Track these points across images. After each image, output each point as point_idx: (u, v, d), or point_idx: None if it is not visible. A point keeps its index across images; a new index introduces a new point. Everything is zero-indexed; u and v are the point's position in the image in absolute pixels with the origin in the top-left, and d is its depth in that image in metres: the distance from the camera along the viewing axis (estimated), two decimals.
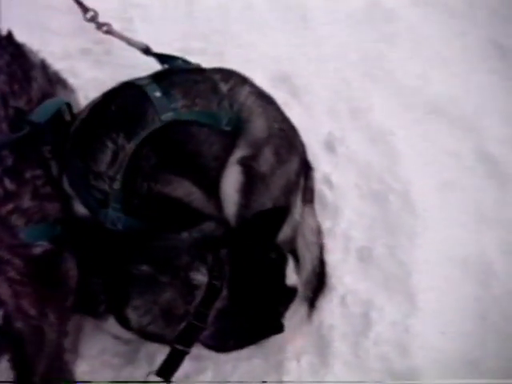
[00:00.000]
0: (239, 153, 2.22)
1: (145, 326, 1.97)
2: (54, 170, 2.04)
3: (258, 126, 2.28)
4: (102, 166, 2.00)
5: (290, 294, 2.14)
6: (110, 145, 2.02)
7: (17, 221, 1.77)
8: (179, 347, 1.97)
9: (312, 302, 2.34)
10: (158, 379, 1.94)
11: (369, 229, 2.50)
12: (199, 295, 1.94)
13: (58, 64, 2.62)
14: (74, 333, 2.15)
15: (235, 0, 3.11)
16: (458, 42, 2.97)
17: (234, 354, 2.18)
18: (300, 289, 2.26)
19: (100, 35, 2.76)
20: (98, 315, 2.03)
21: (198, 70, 2.38)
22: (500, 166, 2.60)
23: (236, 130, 2.24)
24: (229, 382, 2.18)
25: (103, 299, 1.98)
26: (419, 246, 2.40)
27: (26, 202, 1.83)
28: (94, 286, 1.97)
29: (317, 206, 2.53)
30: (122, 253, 1.95)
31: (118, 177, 1.97)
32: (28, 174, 1.89)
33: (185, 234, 1.98)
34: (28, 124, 1.97)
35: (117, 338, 2.20)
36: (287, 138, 2.36)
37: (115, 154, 2.01)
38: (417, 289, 2.31)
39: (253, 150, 2.23)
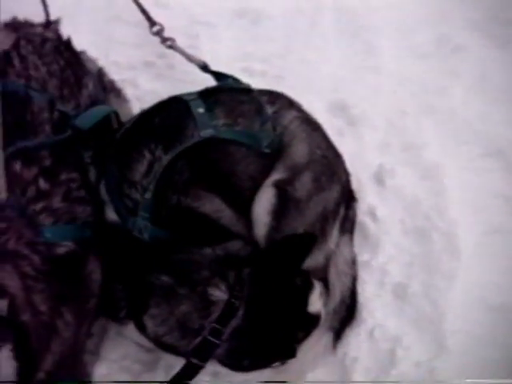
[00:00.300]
0: (276, 176, 2.22)
1: (160, 336, 2.00)
2: (93, 175, 2.10)
3: (299, 150, 2.27)
4: (137, 176, 2.05)
5: (312, 321, 2.12)
6: (147, 155, 2.07)
7: (45, 219, 1.84)
8: (194, 361, 1.98)
9: (338, 333, 2.30)
10: None
11: (407, 265, 2.44)
12: (216, 311, 1.95)
13: (121, 74, 2.74)
14: (98, 335, 2.21)
15: (301, 20, 3.13)
16: None
17: (253, 376, 2.18)
18: (327, 318, 2.24)
19: (164, 49, 2.84)
20: (118, 320, 2.07)
21: (246, 90, 2.39)
22: None
23: (276, 153, 2.24)
24: None
25: (124, 305, 2.02)
26: (456, 288, 2.32)
27: (57, 202, 1.89)
28: (117, 291, 2.01)
29: (358, 237, 2.50)
30: (145, 261, 1.98)
31: (151, 187, 2.01)
32: (63, 176, 1.96)
33: (208, 250, 1.99)
34: (71, 128, 2.05)
35: (139, 345, 2.23)
36: (329, 166, 2.34)
37: (151, 165, 2.06)
38: (448, 331, 2.23)
39: (290, 174, 2.22)
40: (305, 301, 2.07)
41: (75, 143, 2.06)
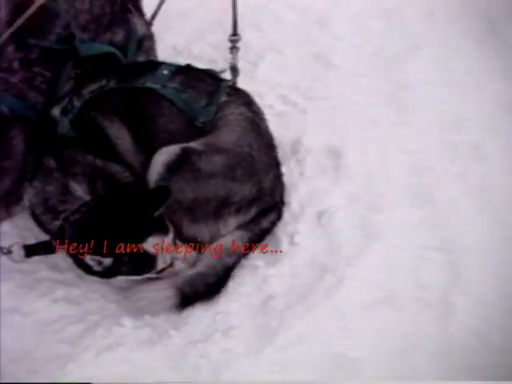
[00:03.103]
0: (190, 144, 2.56)
1: (32, 205, 2.49)
2: (65, 85, 2.71)
3: (225, 137, 2.59)
4: (85, 91, 2.61)
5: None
6: (103, 81, 2.63)
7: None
8: (53, 242, 2.42)
9: (185, 299, 2.48)
10: None
11: None
12: (71, 203, 2.38)
13: None
14: None
15: None
16: None
17: None
18: (180, 276, 2.50)
19: None
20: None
21: (218, 78, 2.78)
22: None
23: (204, 132, 2.59)
24: None
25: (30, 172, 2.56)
26: None
27: (16, 79, 2.54)
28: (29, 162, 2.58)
29: None
30: (48, 146, 2.52)
31: (85, 99, 2.55)
32: (37, 69, 2.61)
33: (91, 157, 2.45)
34: (70, 46, 2.70)
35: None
36: (252, 165, 2.60)
37: (100, 88, 2.60)
38: None
39: (203, 148, 2.54)
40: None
41: (67, 59, 2.71)
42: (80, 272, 2.46)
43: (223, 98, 2.66)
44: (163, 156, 2.53)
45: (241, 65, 3.10)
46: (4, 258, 2.45)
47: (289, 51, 3.74)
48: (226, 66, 3.09)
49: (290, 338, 2.33)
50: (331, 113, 3.26)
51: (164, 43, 3.53)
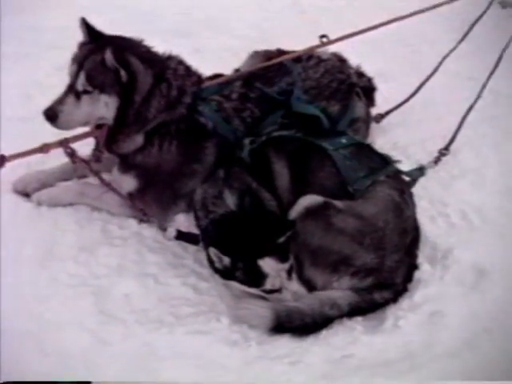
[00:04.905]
0: (334, 201, 2.90)
1: (195, 201, 3.08)
2: (268, 124, 3.30)
3: (365, 207, 2.89)
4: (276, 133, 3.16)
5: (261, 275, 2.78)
6: (292, 130, 3.15)
7: None
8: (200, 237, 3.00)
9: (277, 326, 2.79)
10: None
11: None
12: (220, 206, 2.92)
13: None
14: None
15: None
16: None
17: None
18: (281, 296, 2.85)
19: None
20: None
21: (386, 160, 3.10)
22: None
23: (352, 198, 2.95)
24: None
25: None
26: None
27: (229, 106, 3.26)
28: None
29: None
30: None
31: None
32: (250, 105, 3.27)
33: (250, 180, 2.99)
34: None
35: None
36: (380, 239, 2.86)
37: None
38: None
39: (343, 208, 2.88)
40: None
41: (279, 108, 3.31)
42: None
43: (381, 178, 2.98)
44: (307, 200, 2.91)
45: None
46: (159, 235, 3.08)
47: None
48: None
49: None
50: None
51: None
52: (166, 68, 3.16)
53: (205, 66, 3.48)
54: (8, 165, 3.08)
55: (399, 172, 3.15)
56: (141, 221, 3.21)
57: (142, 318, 2.84)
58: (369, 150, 3.14)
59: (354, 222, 2.85)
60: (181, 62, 3.26)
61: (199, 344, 2.73)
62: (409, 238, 2.92)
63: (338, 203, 2.89)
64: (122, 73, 2.99)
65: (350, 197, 2.92)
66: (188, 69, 3.28)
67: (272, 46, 3.88)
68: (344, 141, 3.08)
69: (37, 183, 3.39)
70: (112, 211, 3.31)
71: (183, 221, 3.31)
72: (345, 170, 2.96)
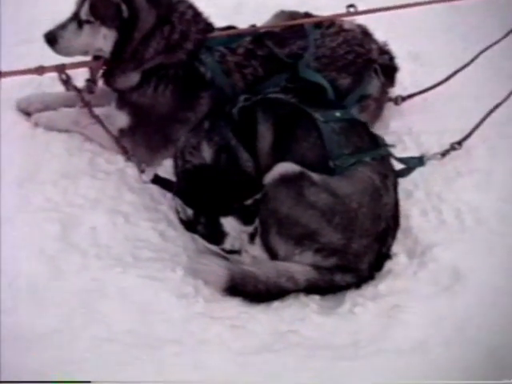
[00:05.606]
0: (312, 173, 2.80)
1: (176, 149, 3.04)
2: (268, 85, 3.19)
3: (342, 185, 2.79)
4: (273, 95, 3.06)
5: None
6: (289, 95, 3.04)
7: None
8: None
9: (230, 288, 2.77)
10: None
11: None
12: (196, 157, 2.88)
13: None
14: None
15: None
16: None
17: None
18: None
19: None
20: None
21: (377, 143, 2.97)
22: None
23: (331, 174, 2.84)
24: None
25: None
26: None
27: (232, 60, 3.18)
28: None
29: None
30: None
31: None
32: (255, 63, 3.18)
33: (231, 136, 2.93)
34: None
35: None
36: (350, 221, 2.77)
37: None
38: None
39: (319, 181, 2.78)
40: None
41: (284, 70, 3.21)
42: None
43: (366, 159, 2.86)
44: (284, 167, 2.82)
45: None
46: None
47: None
48: None
49: None
50: None
51: None
52: (172, 11, 3.13)
53: None
54: (17, 83, 3.15)
55: (390, 156, 3.01)
56: (128, 159, 3.19)
57: (102, 253, 2.85)
58: (362, 129, 3.00)
59: (327, 198, 2.76)
60: (190, 7, 3.20)
61: (148, 290, 2.72)
62: (382, 225, 2.81)
63: (315, 176, 2.79)
64: (123, 8, 2.99)
65: (329, 172, 2.82)
66: (197, 15, 3.22)
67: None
68: (338, 114, 2.96)
69: (40, 104, 3.44)
70: (103, 144, 3.32)
71: (170, 166, 3.28)
72: (330, 143, 2.85)
